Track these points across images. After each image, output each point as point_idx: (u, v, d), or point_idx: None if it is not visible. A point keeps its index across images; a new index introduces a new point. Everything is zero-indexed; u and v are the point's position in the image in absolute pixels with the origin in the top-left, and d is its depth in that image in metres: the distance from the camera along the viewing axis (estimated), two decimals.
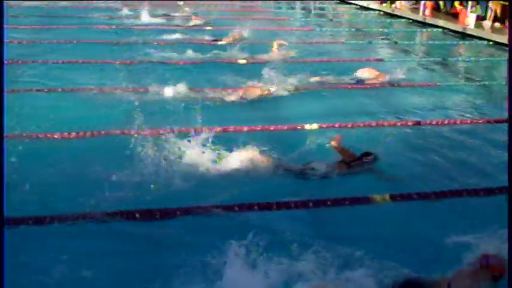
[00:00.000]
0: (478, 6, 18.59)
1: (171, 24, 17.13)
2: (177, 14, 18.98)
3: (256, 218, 5.03)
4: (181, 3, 22.26)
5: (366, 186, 5.82)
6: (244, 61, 11.86)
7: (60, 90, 9.10)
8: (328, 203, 5.34)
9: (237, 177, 5.86)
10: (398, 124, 8.03)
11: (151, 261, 4.33)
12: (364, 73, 10.61)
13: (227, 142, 6.28)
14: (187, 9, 20.16)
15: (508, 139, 6.97)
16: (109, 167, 5.68)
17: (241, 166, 5.98)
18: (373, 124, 7.89)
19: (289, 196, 5.42)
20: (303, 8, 25.10)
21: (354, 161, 6.09)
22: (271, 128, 7.44)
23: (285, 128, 7.56)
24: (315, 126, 7.60)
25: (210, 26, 16.68)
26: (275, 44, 12.33)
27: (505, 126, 8.24)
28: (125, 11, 18.87)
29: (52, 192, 5.39)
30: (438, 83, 10.80)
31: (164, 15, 18.68)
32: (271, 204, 5.22)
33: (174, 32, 15.12)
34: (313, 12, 24.04)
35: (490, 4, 18.53)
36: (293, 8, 25.42)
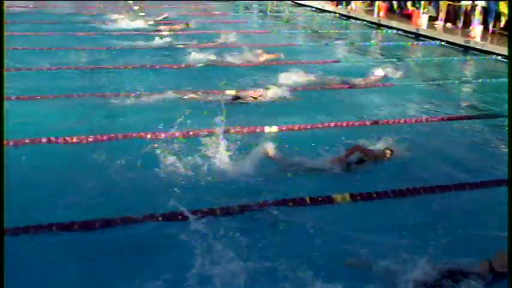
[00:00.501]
0: (430, 7, 19.02)
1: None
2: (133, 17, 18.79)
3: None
4: (136, 7, 22.04)
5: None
6: (201, 64, 11.87)
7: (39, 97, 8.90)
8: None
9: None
10: (357, 124, 8.11)
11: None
12: None
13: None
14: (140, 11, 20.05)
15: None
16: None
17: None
18: (332, 125, 7.94)
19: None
20: (260, 11, 25.18)
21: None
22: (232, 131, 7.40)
23: (245, 130, 7.53)
24: (274, 128, 7.60)
25: (163, 29, 16.60)
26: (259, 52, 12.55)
27: (459, 123, 8.47)
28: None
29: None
30: (394, 83, 10.97)
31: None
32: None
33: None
34: (269, 14, 24.15)
35: (441, 5, 18.98)
36: (249, 10, 25.49)
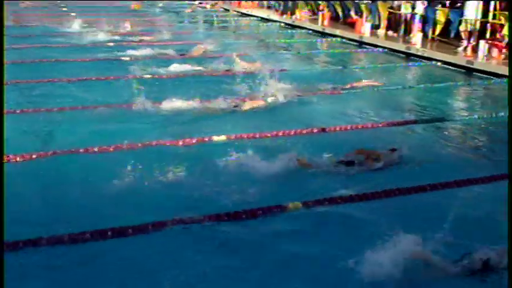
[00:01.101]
0: (372, 16, 19.50)
1: None
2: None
3: None
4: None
5: None
6: (149, 76, 11.82)
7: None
8: None
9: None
10: (304, 132, 8.19)
11: None
12: None
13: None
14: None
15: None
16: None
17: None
18: (280, 134, 7.99)
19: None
20: (206, 21, 25.18)
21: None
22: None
23: (193, 141, 7.49)
24: (223, 137, 7.60)
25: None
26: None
27: (405, 128, 8.67)
28: None
29: None
30: (341, 91, 11.16)
31: None
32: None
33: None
34: (215, 25, 24.18)
35: (382, 13, 19.49)
36: (196, 21, 25.45)
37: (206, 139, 7.58)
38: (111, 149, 7.03)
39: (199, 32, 21.71)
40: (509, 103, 8.53)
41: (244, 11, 30.63)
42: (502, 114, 9.36)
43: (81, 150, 6.99)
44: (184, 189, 5.85)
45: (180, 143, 7.39)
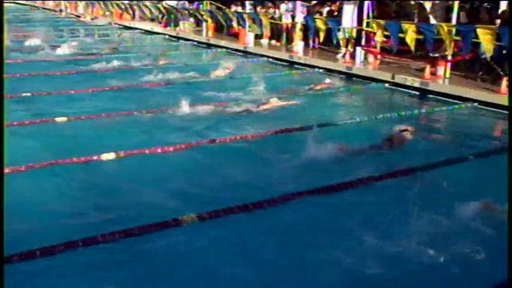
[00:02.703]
0: (254, 26, 19.92)
1: None
2: None
3: None
4: None
5: None
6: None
7: None
8: None
9: None
10: (194, 143, 8.15)
11: None
12: None
13: None
14: None
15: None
16: None
17: None
18: (171, 149, 7.87)
19: None
20: (87, 35, 24.35)
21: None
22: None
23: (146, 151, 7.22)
24: (112, 155, 7.35)
25: None
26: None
27: (292, 135, 8.86)
28: None
29: None
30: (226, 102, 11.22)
31: None
32: None
33: None
34: (97, 38, 23.46)
35: (265, 23, 19.96)
36: (76, 35, 24.49)
37: (95, 157, 7.29)
38: None
39: (81, 42, 20.87)
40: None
41: (126, 23, 30.08)
42: (381, 116, 9.98)
43: None
44: None
45: None
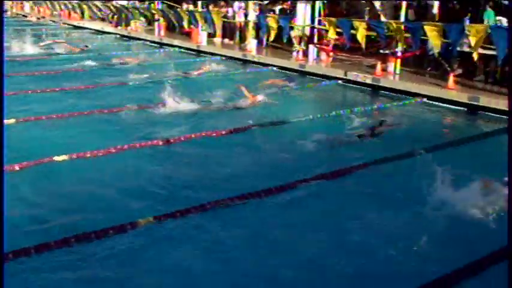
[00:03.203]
0: (207, 25, 19.86)
1: None
2: None
3: None
4: None
5: None
6: None
7: None
8: None
9: None
10: (149, 144, 8.04)
11: None
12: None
13: None
14: None
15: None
16: None
17: None
18: (126, 147, 7.76)
19: None
20: (35, 35, 23.66)
21: None
22: None
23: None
24: (64, 157, 7.19)
25: None
26: None
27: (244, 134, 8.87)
28: None
29: None
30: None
31: None
32: None
33: None
34: (45, 39, 22.84)
35: (217, 23, 19.91)
36: (20, 35, 23.74)
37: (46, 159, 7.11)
38: None
39: (25, 43, 20.23)
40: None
41: (75, 23, 29.47)
42: (334, 113, 10.16)
43: None
44: None
45: None
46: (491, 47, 11.31)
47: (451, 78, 11.76)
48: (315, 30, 15.88)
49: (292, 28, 16.61)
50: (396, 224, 5.47)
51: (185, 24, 21.17)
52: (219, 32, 20.10)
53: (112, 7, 26.89)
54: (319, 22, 15.72)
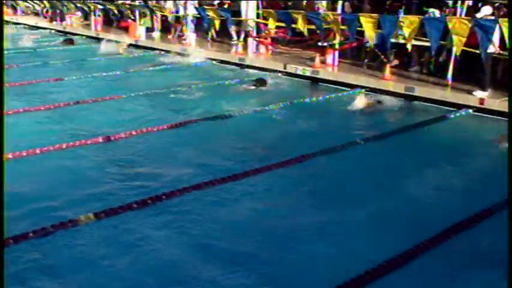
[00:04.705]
0: (146, 19, 19.58)
1: None
2: None
3: None
4: None
5: None
6: None
7: None
8: None
9: None
10: (89, 142, 7.89)
11: None
12: None
13: None
14: None
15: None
16: None
17: None
18: (64, 146, 7.58)
19: None
20: None
21: None
22: None
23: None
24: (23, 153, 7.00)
25: None
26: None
27: (188, 127, 8.86)
28: None
29: None
30: (123, 95, 10.98)
31: None
32: None
33: None
34: None
35: (155, 16, 19.69)
36: None
37: None
38: None
39: None
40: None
41: (7, 18, 28.35)
42: (271, 106, 10.39)
43: None
44: None
45: None
46: (425, 39, 11.66)
47: (388, 69, 12.08)
48: (254, 23, 15.89)
49: (233, 22, 16.51)
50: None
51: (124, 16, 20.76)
52: (156, 25, 19.89)
53: (45, 1, 26.02)
54: (258, 15, 15.75)
